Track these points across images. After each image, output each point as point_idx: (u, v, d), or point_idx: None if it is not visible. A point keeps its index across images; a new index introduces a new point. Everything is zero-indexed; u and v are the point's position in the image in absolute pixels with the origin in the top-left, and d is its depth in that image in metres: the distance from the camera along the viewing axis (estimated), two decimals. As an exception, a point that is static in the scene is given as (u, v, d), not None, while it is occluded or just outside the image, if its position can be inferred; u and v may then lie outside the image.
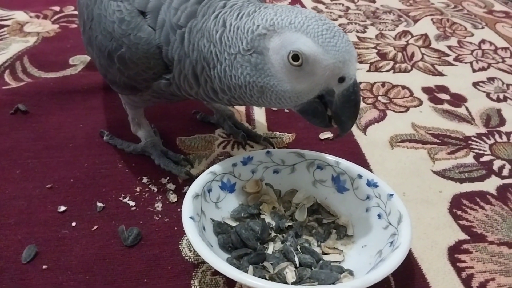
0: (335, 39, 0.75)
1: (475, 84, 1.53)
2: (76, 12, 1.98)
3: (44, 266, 0.86)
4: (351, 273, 0.81)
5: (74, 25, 1.89)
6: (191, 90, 0.92)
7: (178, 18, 0.87)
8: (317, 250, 0.87)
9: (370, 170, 1.10)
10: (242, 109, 1.37)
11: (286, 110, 1.36)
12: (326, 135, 1.24)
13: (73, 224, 0.95)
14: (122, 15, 0.90)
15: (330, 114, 0.83)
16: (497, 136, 1.26)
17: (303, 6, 2.19)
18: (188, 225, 0.79)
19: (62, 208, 0.98)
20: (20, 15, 1.94)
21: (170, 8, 0.88)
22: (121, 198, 1.01)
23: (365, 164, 1.14)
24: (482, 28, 2.01)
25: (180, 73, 0.90)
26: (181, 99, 1.02)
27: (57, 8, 2.03)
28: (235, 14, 0.83)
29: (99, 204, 0.99)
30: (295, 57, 0.75)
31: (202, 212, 0.87)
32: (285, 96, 0.81)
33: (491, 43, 1.85)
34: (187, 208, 0.83)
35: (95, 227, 0.94)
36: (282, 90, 0.80)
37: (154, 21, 0.88)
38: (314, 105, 0.82)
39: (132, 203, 1.00)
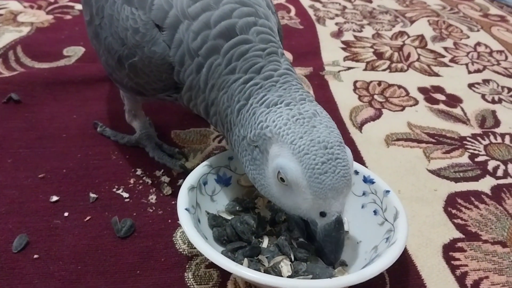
0: (326, 175, 0.70)
1: (470, 86, 1.54)
2: (71, 4, 1.97)
3: (35, 256, 0.84)
4: (343, 264, 0.80)
5: (69, 16, 1.87)
6: (199, 113, 0.91)
7: (198, 47, 0.82)
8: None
9: (366, 168, 1.09)
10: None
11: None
12: (322, 132, 1.24)
13: (66, 214, 0.93)
14: (136, 25, 0.85)
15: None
16: (492, 137, 1.27)
17: (300, 5, 2.19)
18: (184, 217, 0.78)
19: (55, 198, 0.97)
20: (13, 5, 1.92)
21: (189, 30, 0.83)
22: (114, 190, 1.00)
23: (360, 161, 1.13)
24: (478, 31, 2.02)
25: (190, 100, 0.88)
26: None
27: (51, -1, 2.01)
28: (261, 95, 0.79)
29: (92, 195, 0.98)
30: (282, 178, 0.73)
31: (197, 205, 0.86)
32: (272, 198, 0.80)
33: (486, 46, 1.86)
34: (183, 199, 0.82)
35: (88, 218, 0.93)
36: (270, 194, 0.79)
37: (170, 38, 0.84)
38: (296, 220, 0.80)
39: (125, 195, 0.99)
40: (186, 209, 0.80)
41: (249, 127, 0.78)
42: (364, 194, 0.92)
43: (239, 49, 0.81)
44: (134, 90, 0.96)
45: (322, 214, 0.74)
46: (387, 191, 0.88)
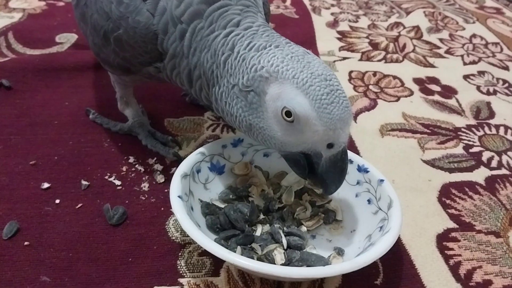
0: (332, 105, 0.71)
1: (465, 77, 1.53)
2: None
3: (26, 243, 0.83)
4: (340, 252, 0.80)
5: (61, 3, 1.84)
6: (182, 85, 0.90)
7: (181, 13, 0.83)
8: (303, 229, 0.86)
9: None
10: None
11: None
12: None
13: (57, 201, 0.92)
14: None
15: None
16: (486, 128, 1.27)
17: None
18: (176, 204, 0.78)
19: (46, 185, 0.95)
20: (5, -9, 1.89)
21: None
22: (106, 177, 0.99)
23: (355, 151, 1.13)
24: (474, 23, 2.01)
25: (173, 69, 0.88)
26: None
27: (44, -15, 1.98)
28: (246, 42, 0.79)
29: (83, 182, 0.97)
30: (288, 113, 0.73)
31: (190, 192, 0.85)
32: (270, 141, 0.79)
33: (482, 38, 1.86)
34: (176, 187, 0.81)
35: (80, 205, 0.92)
36: (269, 135, 0.78)
37: (154, 6, 0.85)
38: (297, 157, 0.80)
39: (118, 182, 0.98)
40: (179, 196, 0.80)
41: (239, 74, 0.78)
42: (358, 183, 0.91)
43: (219, 11, 0.83)
44: (121, 67, 0.96)
45: (330, 146, 0.74)
46: (381, 180, 0.87)
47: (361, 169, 0.92)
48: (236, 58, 0.79)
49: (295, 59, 0.74)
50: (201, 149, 0.93)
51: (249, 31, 0.81)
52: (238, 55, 0.79)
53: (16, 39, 1.51)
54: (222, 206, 0.88)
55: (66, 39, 1.54)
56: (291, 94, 0.72)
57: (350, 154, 0.94)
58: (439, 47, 1.74)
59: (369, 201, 0.88)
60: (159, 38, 0.86)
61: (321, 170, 0.77)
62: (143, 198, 0.95)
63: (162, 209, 0.93)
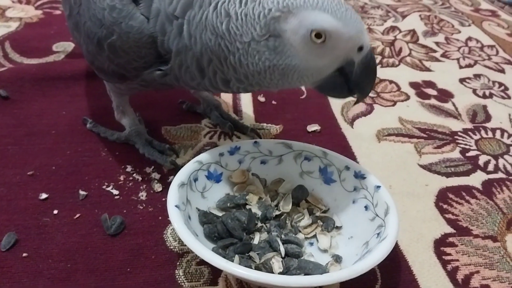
0: (348, 12, 0.78)
1: (461, 81, 1.54)
2: (60, -2, 1.94)
3: (24, 254, 0.83)
4: (337, 259, 0.80)
5: (58, 12, 1.84)
6: (193, 81, 0.90)
7: (174, 9, 0.84)
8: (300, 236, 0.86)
9: (357, 163, 1.09)
10: (229, 99, 1.35)
11: (273, 102, 1.35)
12: (313, 127, 1.24)
13: (55, 212, 0.92)
14: (113, 2, 0.87)
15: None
16: (482, 132, 1.27)
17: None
18: (174, 214, 0.78)
19: (44, 196, 0.95)
20: (2, 0, 1.89)
21: None
22: (104, 187, 0.99)
23: (352, 157, 1.13)
24: (469, 25, 2.02)
25: (181, 65, 0.88)
26: (171, 88, 1.00)
27: (40, -6, 1.99)
28: (237, 2, 0.81)
29: (81, 192, 0.97)
30: (317, 34, 0.77)
31: (187, 201, 0.85)
32: (307, 74, 0.83)
33: (477, 41, 1.87)
34: (173, 196, 0.82)
35: (78, 215, 0.92)
36: (305, 68, 0.81)
37: (147, 9, 0.86)
38: (333, 79, 0.84)
39: (115, 192, 0.98)
40: (176, 206, 0.80)
41: (250, 29, 0.79)
42: (355, 189, 0.92)
43: None
44: (116, 74, 0.96)
45: (360, 49, 0.80)
46: (378, 187, 0.88)
47: (358, 175, 0.92)
48: (237, 19, 0.80)
49: None
50: (198, 158, 0.93)
51: None
52: (237, 16, 0.80)
53: (13, 48, 1.52)
54: (220, 214, 0.88)
55: (63, 48, 1.55)
56: (311, 17, 0.76)
57: (347, 160, 0.95)
58: (435, 51, 1.75)
59: (366, 207, 0.88)
60: (159, 40, 0.86)
61: (356, 76, 0.82)
62: (141, 207, 0.95)
63: (160, 218, 0.93)
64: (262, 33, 0.78)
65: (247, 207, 0.91)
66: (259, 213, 0.90)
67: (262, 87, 0.87)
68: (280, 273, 0.76)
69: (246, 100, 1.35)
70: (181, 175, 0.88)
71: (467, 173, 1.11)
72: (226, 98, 1.35)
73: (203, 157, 0.94)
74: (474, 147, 1.20)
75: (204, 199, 0.91)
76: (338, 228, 0.89)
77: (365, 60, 0.81)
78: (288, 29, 0.77)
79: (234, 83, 0.87)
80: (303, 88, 1.42)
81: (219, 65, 0.85)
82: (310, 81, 0.85)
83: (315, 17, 0.76)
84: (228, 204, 0.91)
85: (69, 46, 1.56)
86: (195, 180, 0.91)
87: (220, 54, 0.83)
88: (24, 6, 1.86)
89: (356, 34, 0.78)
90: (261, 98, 1.36)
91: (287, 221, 0.89)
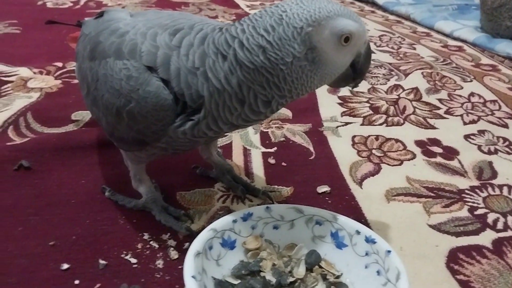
0: (354, 13, 0.91)
1: (466, 137, 1.58)
2: (78, 68, 2.04)
3: (46, 327, 0.86)
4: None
5: (76, 80, 1.93)
6: (232, 115, 0.95)
7: (193, 62, 0.92)
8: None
9: (368, 224, 1.12)
10: (240, 162, 1.40)
11: (283, 164, 1.39)
12: (323, 188, 1.27)
13: (76, 282, 0.95)
14: (129, 72, 0.94)
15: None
16: (490, 189, 1.29)
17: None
18: (190, 285, 0.80)
19: (65, 266, 0.98)
20: (24, 71, 2.00)
21: (180, 57, 0.93)
22: (123, 255, 1.02)
23: (362, 218, 1.16)
24: (471, 81, 2.08)
25: (218, 105, 0.93)
26: (192, 146, 1.08)
27: (59, 64, 2.09)
28: (262, 32, 0.88)
29: (101, 262, 1.00)
30: (346, 38, 0.88)
31: (203, 271, 0.88)
32: (335, 73, 0.94)
33: (480, 96, 1.92)
34: (189, 267, 0.84)
35: (98, 286, 0.95)
36: (334, 68, 0.93)
37: (166, 72, 0.93)
38: (346, 71, 0.96)
39: (133, 260, 1.01)
40: (192, 276, 0.82)
41: (289, 49, 0.87)
42: (367, 254, 0.94)
43: (206, 43, 0.94)
44: (137, 142, 1.01)
45: (365, 42, 0.94)
46: (389, 251, 0.90)
47: (369, 240, 0.94)
48: (272, 46, 0.87)
49: (305, 3, 0.89)
50: (212, 225, 0.96)
51: (229, 33, 0.92)
52: (272, 43, 0.88)
53: (34, 118, 1.59)
54: (235, 282, 0.90)
55: (82, 117, 1.62)
56: (339, 24, 0.87)
57: (357, 225, 0.98)
58: (438, 108, 1.80)
59: (378, 272, 0.90)
60: (186, 94, 0.93)
61: (360, 65, 0.96)
62: (158, 276, 0.98)
63: (177, 286, 0.95)
64: (301, 49, 0.87)
65: (261, 274, 0.93)
66: (273, 280, 0.92)
67: (300, 96, 0.96)
68: None
69: (257, 163, 1.39)
70: (197, 244, 0.91)
71: (476, 232, 1.13)
72: (238, 161, 1.40)
73: (217, 224, 0.97)
74: (482, 205, 1.23)
75: (219, 267, 0.93)
76: (352, 293, 0.91)
77: (367, 50, 0.95)
78: (321, 39, 0.87)
79: (277, 100, 0.94)
80: (311, 148, 1.47)
81: (261, 90, 0.91)
82: (333, 78, 0.95)
83: (342, 24, 0.87)
84: (243, 271, 0.93)
85: (87, 114, 1.63)
86: (210, 248, 0.94)
87: (262, 80, 0.90)
88: (44, 77, 1.96)
89: (364, 30, 0.91)
90: (271, 160, 1.41)
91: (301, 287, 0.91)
